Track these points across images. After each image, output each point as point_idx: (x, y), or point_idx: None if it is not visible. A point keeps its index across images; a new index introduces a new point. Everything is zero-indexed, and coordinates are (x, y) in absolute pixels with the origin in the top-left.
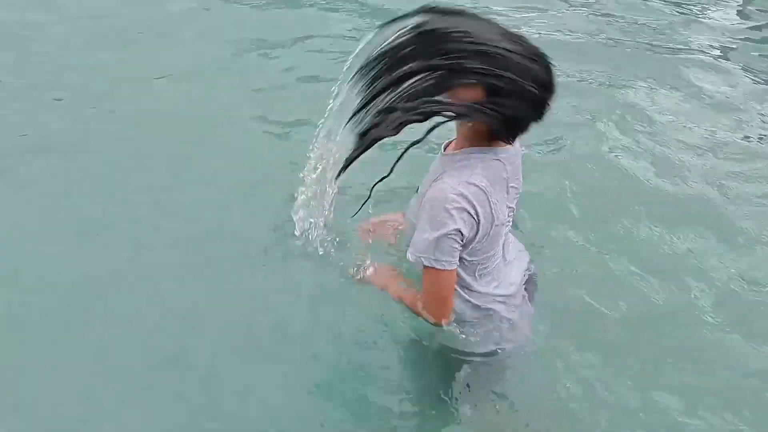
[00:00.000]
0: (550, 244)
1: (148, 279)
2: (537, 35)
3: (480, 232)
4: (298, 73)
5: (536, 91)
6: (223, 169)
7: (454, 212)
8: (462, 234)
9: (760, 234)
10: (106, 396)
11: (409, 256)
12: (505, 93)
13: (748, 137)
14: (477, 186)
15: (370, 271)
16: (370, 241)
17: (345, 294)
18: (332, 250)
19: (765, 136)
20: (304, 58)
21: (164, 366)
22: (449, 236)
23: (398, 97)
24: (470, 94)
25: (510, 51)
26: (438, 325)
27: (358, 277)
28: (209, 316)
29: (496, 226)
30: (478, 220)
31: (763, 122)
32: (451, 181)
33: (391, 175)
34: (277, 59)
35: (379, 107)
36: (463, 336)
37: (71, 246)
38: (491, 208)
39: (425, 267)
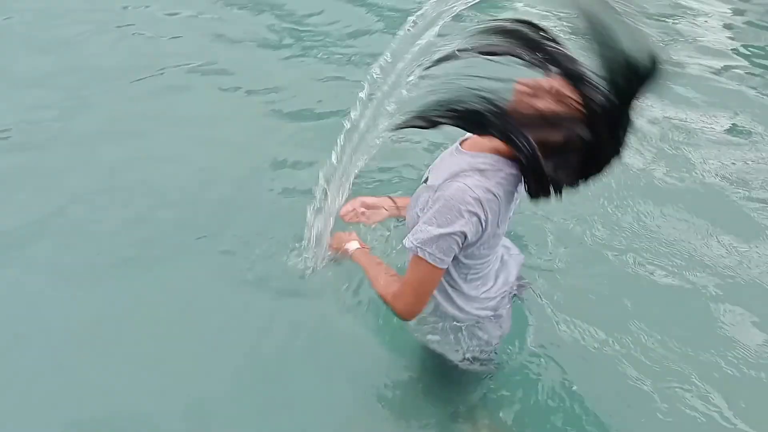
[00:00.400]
0: (557, 242)
1: (134, 283)
2: None
3: (482, 238)
4: (297, 73)
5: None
6: (222, 170)
7: (465, 214)
8: (465, 237)
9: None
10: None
11: (406, 241)
12: (577, 161)
13: (742, 137)
14: (494, 195)
15: (352, 246)
16: (362, 224)
17: (337, 301)
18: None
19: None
20: (302, 58)
21: (160, 367)
22: (452, 236)
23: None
24: (554, 135)
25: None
26: (403, 317)
27: (343, 248)
28: (201, 323)
29: (497, 235)
30: (485, 227)
31: (756, 122)
32: (471, 182)
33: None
34: (275, 59)
35: (480, 94)
36: (440, 337)
37: (61, 244)
38: (498, 218)
39: (417, 257)
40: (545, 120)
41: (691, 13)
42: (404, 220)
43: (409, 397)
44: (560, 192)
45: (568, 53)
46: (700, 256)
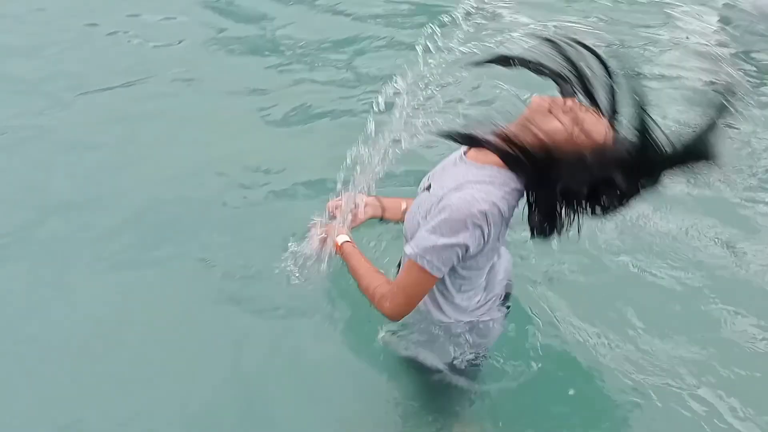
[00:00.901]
0: (558, 246)
1: (114, 295)
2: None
3: (483, 250)
4: (284, 80)
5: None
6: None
7: (470, 227)
8: (467, 249)
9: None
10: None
11: (408, 249)
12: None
13: (731, 138)
14: (499, 209)
15: (341, 238)
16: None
17: (321, 319)
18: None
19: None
20: (290, 66)
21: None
22: (455, 247)
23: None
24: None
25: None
26: (390, 318)
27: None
28: (181, 338)
29: (496, 248)
30: (486, 240)
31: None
32: (479, 195)
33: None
34: (262, 66)
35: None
36: (425, 344)
37: (41, 254)
38: (499, 233)
39: (415, 263)
40: (586, 168)
41: (679, 21)
42: (387, 222)
43: (395, 413)
44: (561, 232)
45: (644, 104)
46: (698, 257)
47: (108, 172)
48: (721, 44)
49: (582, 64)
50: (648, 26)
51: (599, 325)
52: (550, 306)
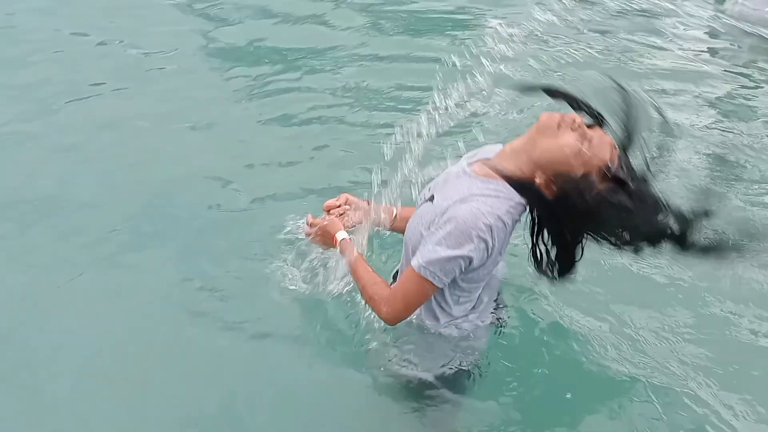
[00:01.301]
0: None
1: (96, 311)
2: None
3: (485, 263)
4: (279, 85)
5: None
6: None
7: (475, 240)
8: (471, 262)
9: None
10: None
11: (413, 262)
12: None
13: (723, 137)
14: (504, 223)
15: (340, 235)
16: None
17: (313, 340)
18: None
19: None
20: (284, 73)
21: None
22: (459, 259)
23: None
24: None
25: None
26: (387, 322)
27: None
28: (191, 338)
29: (497, 261)
30: (490, 253)
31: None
32: (484, 208)
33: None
34: (256, 71)
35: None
36: (415, 352)
37: (25, 262)
38: (503, 246)
39: (418, 273)
40: (593, 185)
41: (669, 31)
42: (381, 228)
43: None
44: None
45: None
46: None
47: (97, 178)
48: (710, 53)
49: (641, 126)
50: (639, 37)
51: (597, 326)
52: (547, 308)
